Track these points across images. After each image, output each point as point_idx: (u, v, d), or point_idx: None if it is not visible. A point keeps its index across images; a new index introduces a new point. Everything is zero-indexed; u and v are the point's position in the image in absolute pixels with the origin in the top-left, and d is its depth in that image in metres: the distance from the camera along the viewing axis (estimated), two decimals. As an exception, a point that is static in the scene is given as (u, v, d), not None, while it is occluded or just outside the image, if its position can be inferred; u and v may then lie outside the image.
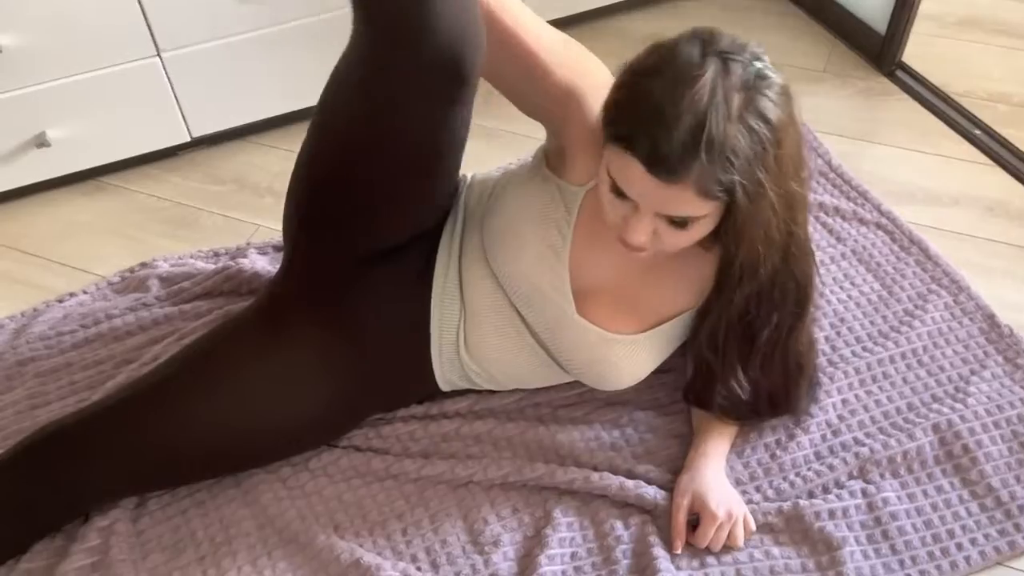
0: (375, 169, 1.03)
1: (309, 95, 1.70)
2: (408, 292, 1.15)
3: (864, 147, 1.75)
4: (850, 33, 1.97)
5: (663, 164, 0.89)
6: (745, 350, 1.12)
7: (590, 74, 1.08)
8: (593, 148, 1.05)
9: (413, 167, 1.04)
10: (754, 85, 0.90)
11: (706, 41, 0.91)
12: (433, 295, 1.15)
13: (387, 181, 1.04)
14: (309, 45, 1.68)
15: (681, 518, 1.15)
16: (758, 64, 0.91)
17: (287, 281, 1.19)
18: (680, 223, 0.95)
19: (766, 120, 0.90)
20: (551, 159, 1.15)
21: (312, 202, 1.11)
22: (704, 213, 0.94)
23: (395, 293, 1.15)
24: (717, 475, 1.18)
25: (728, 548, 1.15)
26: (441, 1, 0.89)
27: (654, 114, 0.89)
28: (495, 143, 1.73)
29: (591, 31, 2.06)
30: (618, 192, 0.97)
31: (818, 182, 1.64)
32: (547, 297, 1.12)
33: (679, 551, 1.13)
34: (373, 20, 0.92)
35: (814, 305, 1.15)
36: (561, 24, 1.99)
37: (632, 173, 0.92)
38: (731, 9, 2.08)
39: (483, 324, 1.16)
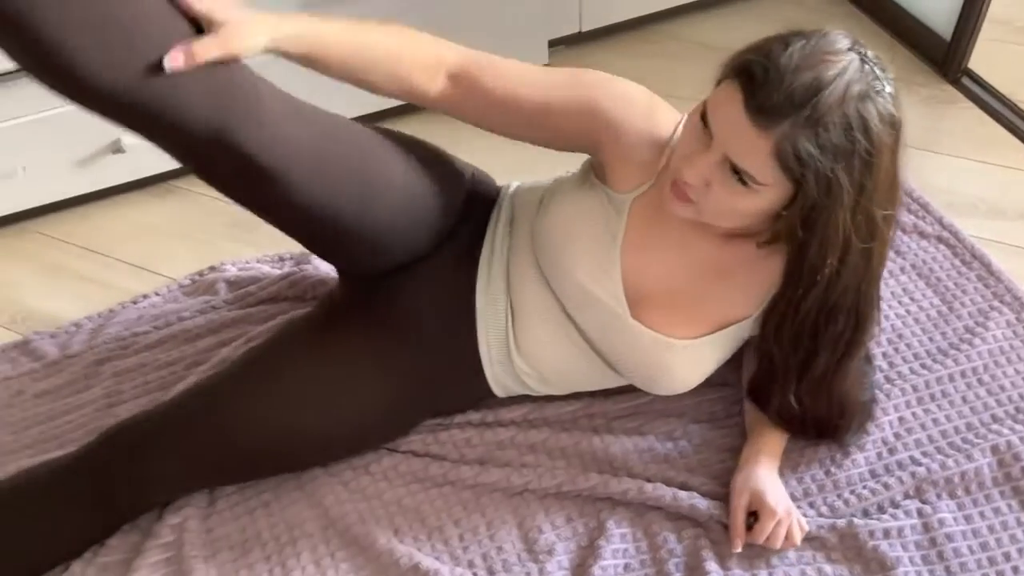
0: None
1: (368, 103, 1.76)
2: (452, 295, 1.19)
3: (926, 157, 1.73)
4: (913, 38, 1.95)
5: (762, 106, 0.91)
6: (805, 362, 1.12)
7: (604, 93, 1.11)
8: (632, 159, 1.09)
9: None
10: (874, 97, 0.93)
11: (856, 41, 0.96)
12: (477, 298, 1.19)
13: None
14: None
15: (740, 518, 1.16)
16: (889, 87, 0.95)
17: (340, 289, 1.26)
18: (739, 180, 0.96)
19: (866, 128, 0.92)
20: (596, 170, 1.18)
21: (311, 246, 1.22)
22: (766, 182, 0.95)
23: (440, 296, 1.19)
24: (771, 474, 1.19)
25: (784, 550, 1.16)
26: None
27: (783, 58, 0.92)
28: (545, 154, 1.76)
29: (654, 34, 2.07)
30: (703, 120, 0.98)
31: (878, 193, 1.63)
32: (601, 302, 1.14)
33: (738, 550, 1.15)
34: None
35: (867, 342, 1.15)
36: (620, 28, 2.02)
37: (729, 104, 0.94)
38: (791, 11, 2.07)
39: (533, 326, 1.19)
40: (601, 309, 1.14)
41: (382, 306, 1.19)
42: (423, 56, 1.09)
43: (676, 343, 1.14)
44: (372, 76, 1.08)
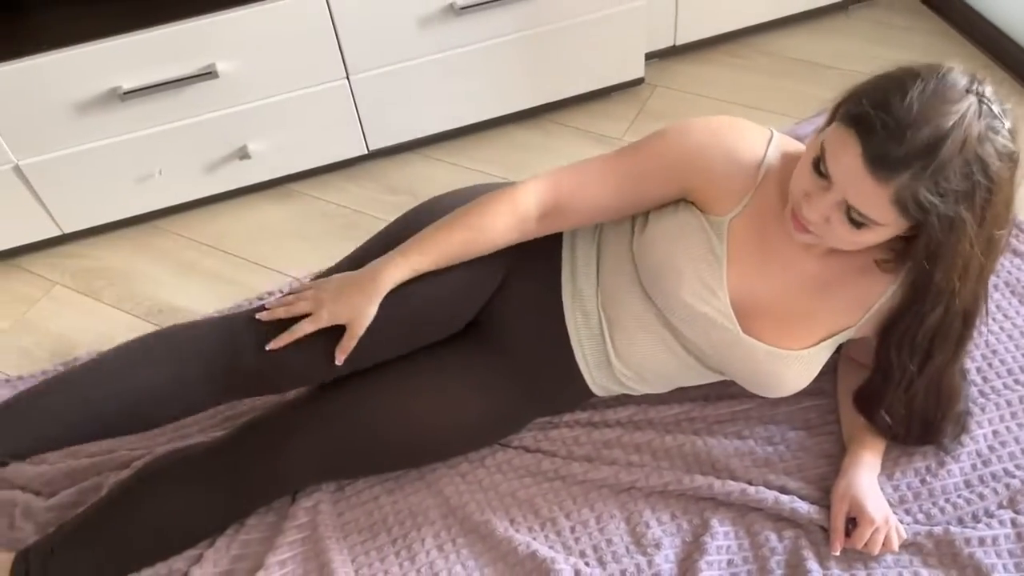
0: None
1: (472, 114, 1.87)
2: (540, 312, 1.28)
3: (1019, 175, 1.75)
4: (1005, 55, 1.96)
5: (882, 158, 0.94)
6: (922, 364, 1.16)
7: (685, 151, 1.18)
8: (724, 189, 1.15)
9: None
10: (992, 137, 0.96)
11: (974, 78, 0.98)
12: (565, 313, 1.27)
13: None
14: (475, 69, 1.82)
15: (840, 522, 1.22)
16: (1007, 122, 0.98)
17: None
18: (857, 222, 1.01)
19: (986, 169, 0.96)
20: (688, 198, 1.23)
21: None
22: (885, 223, 1.00)
23: (528, 315, 1.28)
24: (872, 483, 1.25)
25: (882, 554, 1.22)
26: None
27: (902, 109, 0.94)
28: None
29: (744, 47, 2.12)
30: (817, 167, 1.02)
31: (971, 211, 1.67)
32: (711, 321, 1.20)
33: (837, 553, 1.21)
34: None
35: (966, 349, 1.20)
36: (713, 42, 2.09)
37: (846, 154, 0.97)
38: (884, 26, 2.10)
39: (631, 335, 1.26)
40: (710, 325, 1.20)
41: (484, 328, 1.29)
42: (504, 224, 1.22)
43: (789, 354, 1.19)
44: (479, 253, 1.24)
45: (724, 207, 1.18)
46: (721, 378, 1.32)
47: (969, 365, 1.41)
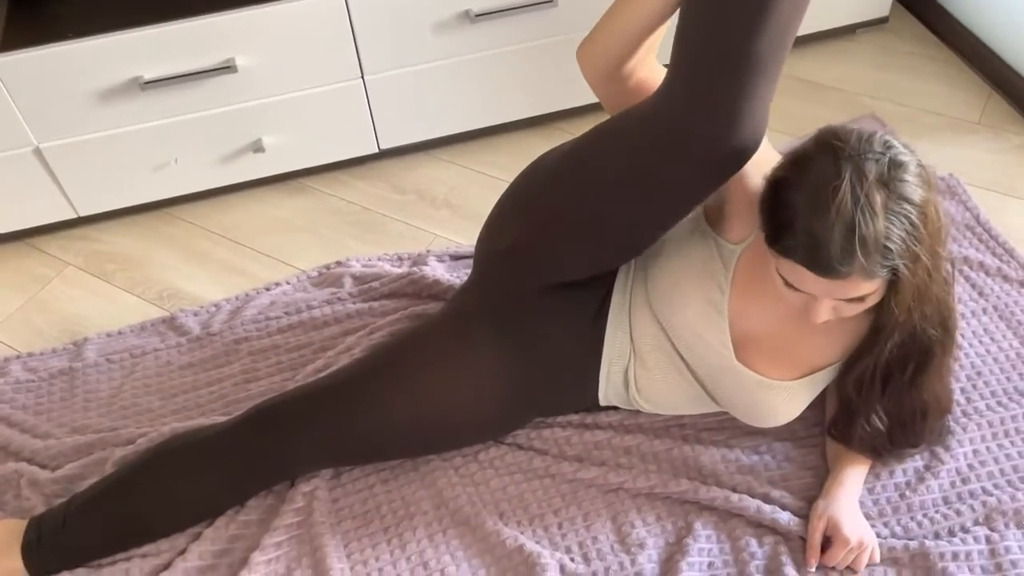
0: (611, 225, 1.16)
1: (483, 117, 1.91)
2: (584, 325, 1.29)
3: (1014, 203, 1.79)
4: (1009, 86, 2.00)
5: (827, 269, 1.01)
6: (885, 389, 1.22)
7: None
8: (749, 208, 1.17)
9: (646, 232, 1.18)
10: (891, 176, 1.00)
11: (836, 148, 1.02)
12: (607, 333, 1.29)
13: (616, 238, 1.19)
14: (487, 75, 1.86)
15: (817, 539, 1.26)
16: (890, 153, 1.01)
17: (475, 297, 1.35)
18: (857, 298, 1.07)
19: (911, 202, 1.01)
20: (710, 215, 1.27)
21: (532, 237, 1.23)
22: (876, 288, 1.05)
23: (571, 324, 1.29)
24: (851, 504, 1.29)
25: (851, 570, 1.26)
26: (761, 98, 1.02)
27: (806, 231, 1.00)
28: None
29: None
30: (792, 286, 1.09)
31: (964, 236, 1.70)
32: (709, 345, 1.24)
33: (812, 569, 1.25)
34: (693, 95, 1.03)
35: (955, 347, 1.24)
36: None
37: (801, 275, 1.05)
38: (889, 51, 2.14)
39: (649, 364, 1.30)
40: (710, 352, 1.25)
41: (515, 322, 1.28)
42: None
43: (776, 384, 1.24)
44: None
45: (740, 234, 1.22)
46: (717, 408, 1.36)
47: (953, 386, 1.45)
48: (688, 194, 1.13)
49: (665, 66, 1.11)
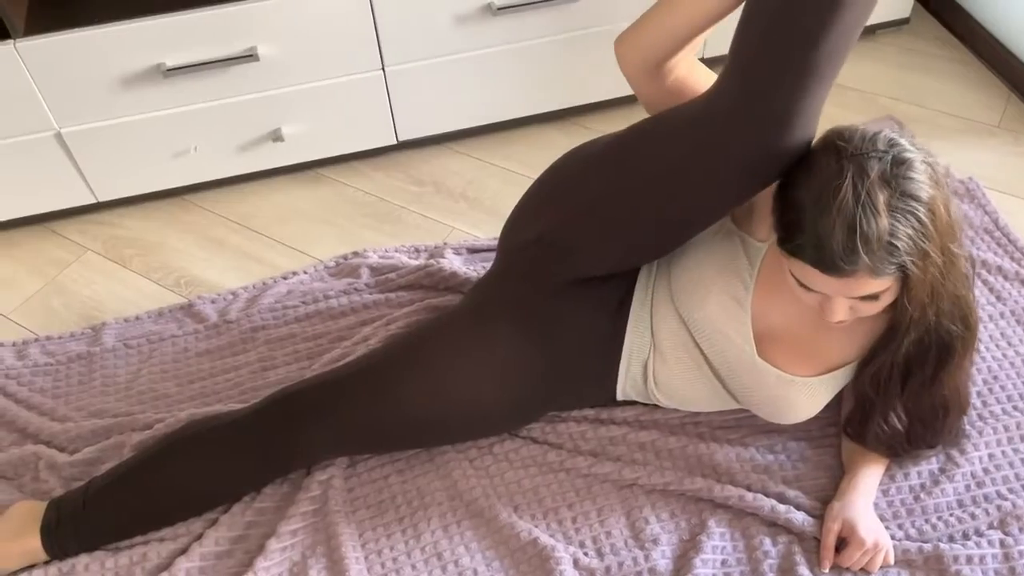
0: (646, 221, 1.16)
1: (501, 111, 1.90)
2: (605, 320, 1.29)
3: (1031, 207, 1.79)
4: (1029, 90, 2.00)
5: (833, 267, 1.02)
6: (903, 387, 1.23)
7: None
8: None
9: (680, 230, 1.18)
10: (895, 174, 1.01)
11: (839, 147, 1.02)
12: (628, 327, 1.29)
13: (647, 235, 1.18)
14: (507, 69, 1.86)
15: (831, 541, 1.26)
16: (893, 151, 1.02)
17: (497, 289, 1.34)
18: (870, 297, 1.07)
19: (917, 199, 1.01)
20: (736, 214, 1.27)
21: (562, 227, 1.21)
22: (887, 286, 1.06)
23: (593, 317, 1.29)
24: (867, 506, 1.29)
25: (865, 572, 1.26)
26: (816, 99, 1.01)
27: (810, 231, 1.02)
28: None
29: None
30: (805, 286, 1.09)
31: (983, 239, 1.70)
32: (730, 340, 1.25)
33: (826, 570, 1.26)
34: (749, 98, 1.02)
35: (975, 347, 1.24)
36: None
37: (811, 275, 1.06)
38: (910, 52, 2.14)
39: (669, 359, 1.30)
40: (731, 347, 1.25)
41: (537, 314, 1.28)
42: None
43: (797, 380, 1.24)
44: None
45: (767, 232, 1.22)
46: (733, 407, 1.36)
47: (970, 389, 1.45)
48: (730, 194, 1.12)
49: (702, 62, 1.10)
